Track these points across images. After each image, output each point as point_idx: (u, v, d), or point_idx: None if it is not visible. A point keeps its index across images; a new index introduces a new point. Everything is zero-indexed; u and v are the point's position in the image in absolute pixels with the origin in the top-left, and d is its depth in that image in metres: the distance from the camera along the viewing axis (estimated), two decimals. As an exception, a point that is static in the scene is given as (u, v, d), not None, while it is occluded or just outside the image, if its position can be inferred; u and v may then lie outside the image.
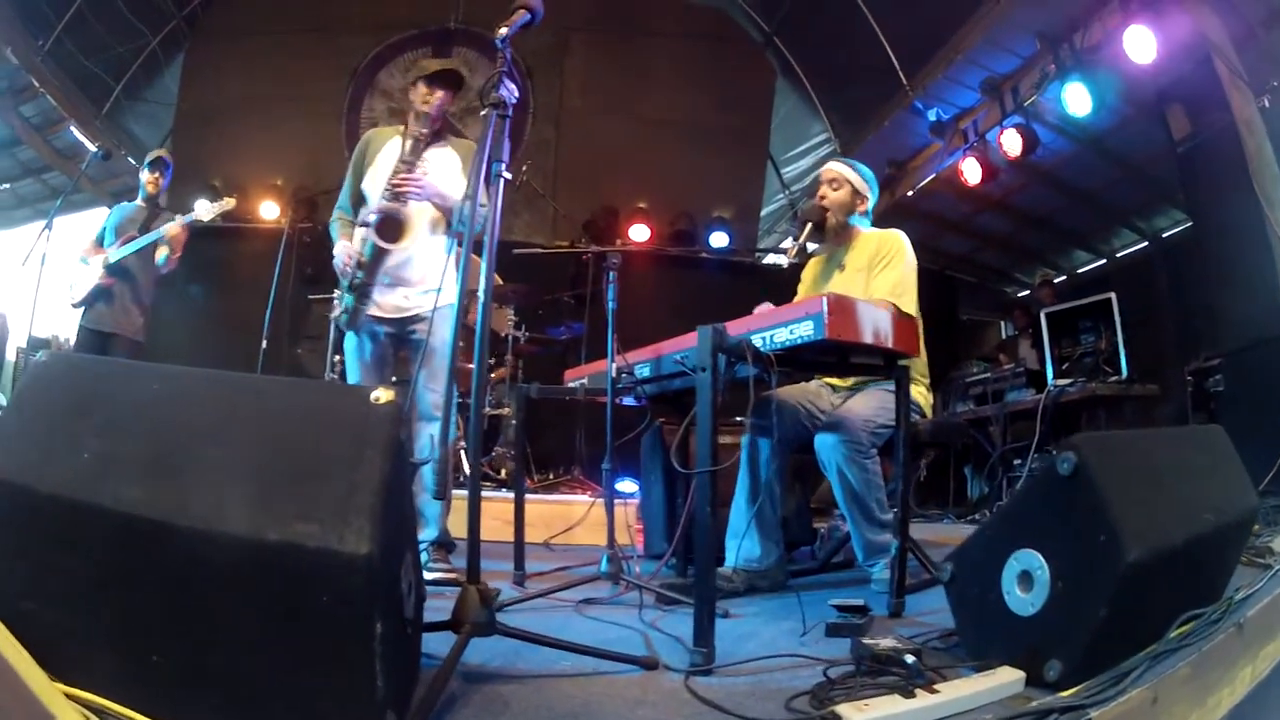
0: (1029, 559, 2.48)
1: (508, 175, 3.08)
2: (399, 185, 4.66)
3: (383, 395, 2.03)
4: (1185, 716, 2.27)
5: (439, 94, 4.81)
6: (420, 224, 4.73)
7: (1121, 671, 2.21)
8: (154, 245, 7.26)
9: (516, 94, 3.11)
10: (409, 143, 4.78)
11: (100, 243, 7.45)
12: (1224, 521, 2.81)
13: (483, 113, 3.11)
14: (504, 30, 3.12)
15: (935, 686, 2.23)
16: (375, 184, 4.84)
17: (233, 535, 1.82)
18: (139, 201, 7.64)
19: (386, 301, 4.79)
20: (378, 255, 4.72)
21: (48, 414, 2.04)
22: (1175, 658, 2.36)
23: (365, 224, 4.76)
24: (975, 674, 2.39)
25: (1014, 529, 2.63)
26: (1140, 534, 2.30)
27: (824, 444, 4.27)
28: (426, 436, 4.61)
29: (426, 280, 4.60)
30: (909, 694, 2.16)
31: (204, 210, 7.44)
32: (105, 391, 2.09)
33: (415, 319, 4.67)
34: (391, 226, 4.65)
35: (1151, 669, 2.26)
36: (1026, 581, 2.48)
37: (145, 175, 7.62)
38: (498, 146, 3.02)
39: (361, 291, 4.78)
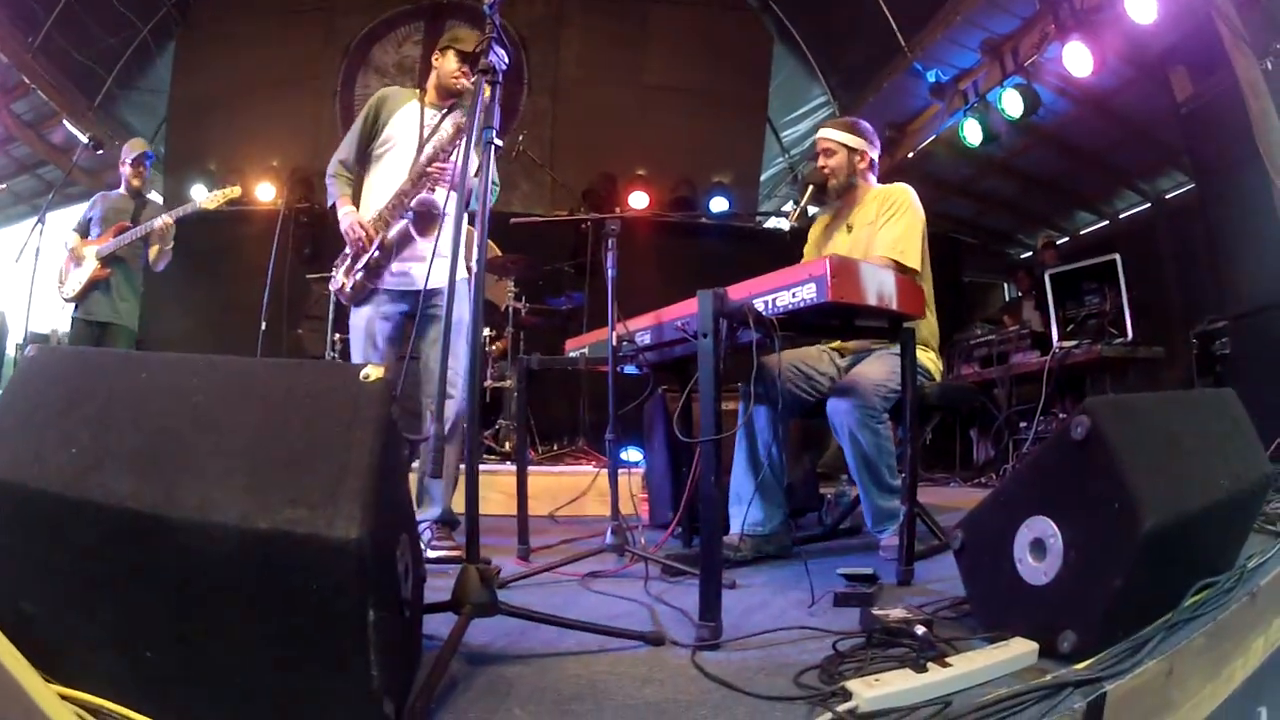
0: (1041, 526, 2.42)
1: (499, 142, 3.02)
2: (434, 174, 4.64)
3: (373, 373, 1.99)
4: (1200, 688, 2.23)
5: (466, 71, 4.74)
6: (444, 206, 4.67)
7: (1137, 643, 2.17)
8: (144, 237, 7.22)
9: (506, 60, 3.05)
10: (449, 131, 4.72)
11: (84, 233, 7.46)
12: (1239, 488, 2.76)
13: (471, 79, 3.06)
14: None
15: (947, 659, 2.18)
16: (391, 149, 4.85)
17: (223, 525, 1.78)
18: (123, 191, 7.63)
19: (405, 277, 4.75)
20: (403, 243, 4.70)
21: (38, 408, 2.02)
22: (1190, 628, 2.31)
23: (404, 215, 4.71)
24: (988, 646, 2.35)
25: (1025, 495, 2.57)
26: (1157, 502, 2.25)
27: (836, 409, 4.24)
28: (445, 417, 4.55)
29: (444, 253, 4.53)
30: (920, 668, 2.12)
31: (205, 198, 7.42)
32: (94, 383, 2.06)
33: (434, 293, 4.55)
34: (429, 220, 4.65)
35: (1166, 640, 2.21)
36: (1039, 550, 2.42)
37: (128, 170, 7.61)
38: (488, 113, 2.96)
39: (374, 270, 4.74)
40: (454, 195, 4.26)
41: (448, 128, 4.73)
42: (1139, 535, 2.18)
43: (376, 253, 4.71)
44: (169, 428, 1.95)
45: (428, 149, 4.73)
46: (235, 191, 7.62)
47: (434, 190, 4.68)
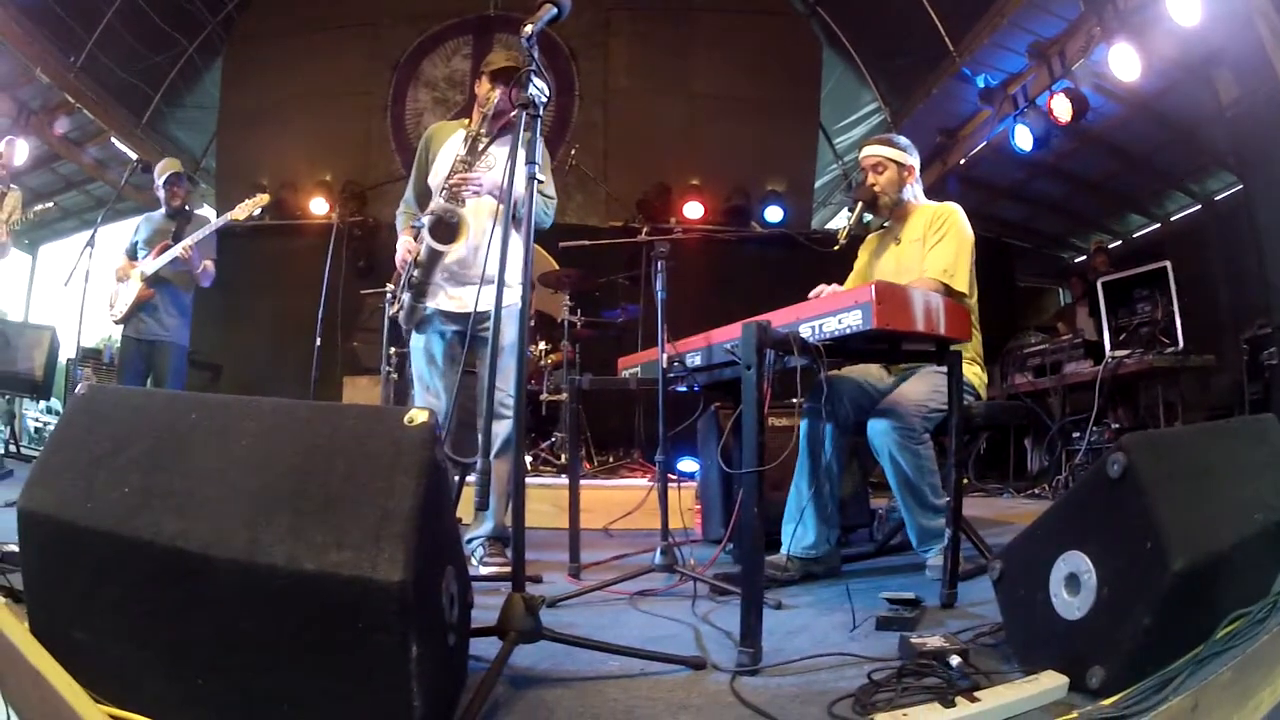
0: (1076, 561, 2.43)
1: (541, 178, 3.05)
2: (455, 185, 4.66)
3: (416, 416, 2.04)
4: (1226, 720, 2.23)
5: (499, 91, 4.73)
6: (481, 221, 4.69)
7: (1164, 679, 2.16)
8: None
9: (547, 93, 3.08)
10: (469, 142, 4.75)
11: (132, 256, 7.56)
12: (1275, 519, 2.73)
13: (512, 113, 3.09)
14: (529, 28, 3.07)
15: (976, 694, 2.21)
16: (440, 180, 4.86)
17: (271, 565, 1.87)
18: (164, 212, 7.69)
19: (453, 299, 4.81)
20: (433, 255, 4.73)
21: (89, 448, 2.11)
22: (1219, 661, 2.30)
23: (417, 225, 4.79)
24: (1019, 679, 2.37)
25: (1062, 530, 2.58)
26: (1187, 541, 2.25)
27: (876, 430, 4.23)
28: (496, 434, 4.61)
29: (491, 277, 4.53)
30: (949, 702, 2.15)
31: (234, 210, 7.49)
32: (144, 423, 2.15)
33: (483, 316, 4.49)
34: (444, 228, 4.66)
35: (1194, 674, 2.21)
36: (1073, 584, 2.43)
37: (162, 193, 7.66)
38: (530, 147, 2.99)
39: (418, 290, 4.82)
40: (497, 209, 4.31)
41: (466, 143, 4.78)
42: (1168, 575, 2.18)
43: (415, 271, 4.80)
44: (216, 470, 2.04)
45: (445, 168, 4.81)
46: (264, 199, 7.70)
47: (464, 203, 4.69)
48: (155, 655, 1.98)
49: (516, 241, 3.81)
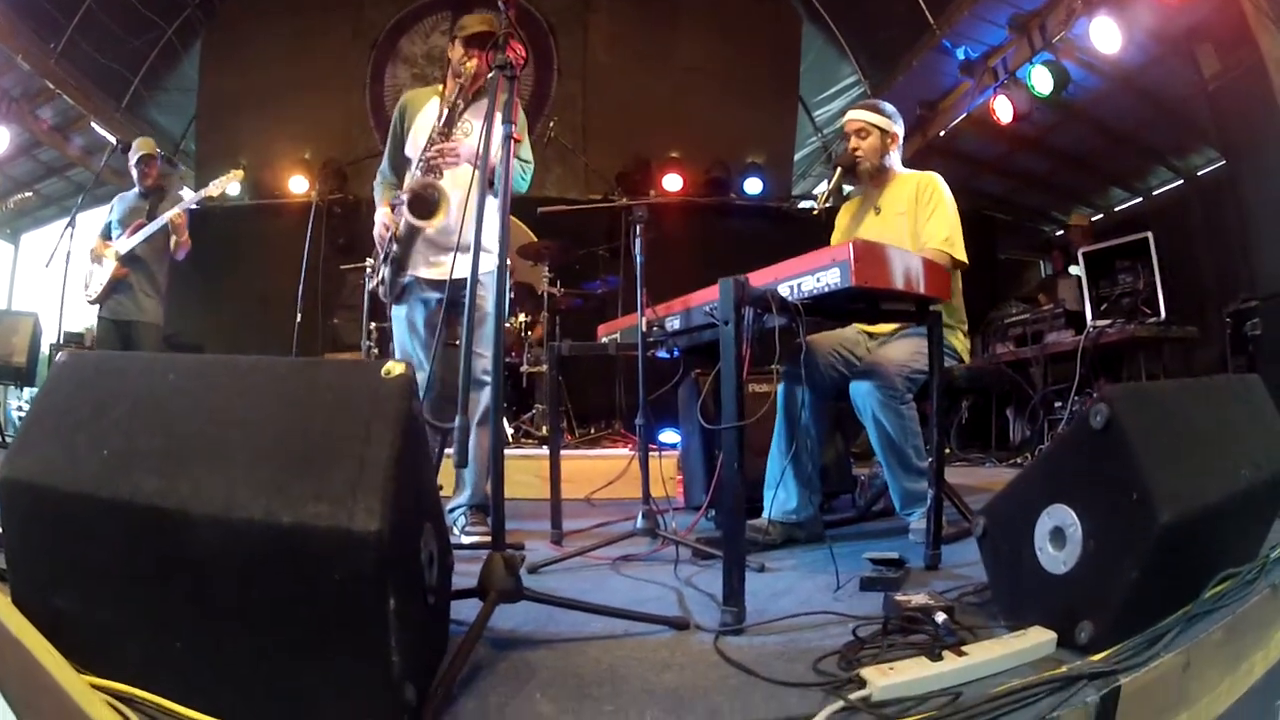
0: (1061, 515, 2.41)
1: (518, 137, 3.03)
2: (433, 158, 4.64)
3: (394, 369, 2.02)
4: (1217, 682, 2.21)
5: (475, 56, 4.68)
6: (459, 190, 4.56)
7: (1154, 635, 2.15)
8: (166, 233, 7.33)
9: (522, 54, 3.07)
10: (445, 112, 4.72)
11: (106, 236, 7.58)
12: (1261, 478, 2.72)
13: (489, 75, 3.08)
14: None
15: (963, 649, 2.19)
16: (417, 148, 4.84)
17: (248, 520, 1.84)
18: (137, 190, 7.73)
19: (433, 266, 4.77)
20: (412, 229, 4.70)
21: (69, 414, 2.09)
22: (1209, 620, 2.29)
23: (397, 202, 4.74)
24: (1006, 635, 2.37)
25: (1046, 483, 2.56)
26: (1173, 494, 2.23)
27: (859, 391, 4.26)
28: (478, 401, 4.55)
29: (472, 244, 4.48)
30: (936, 656, 2.13)
31: (208, 187, 7.51)
32: (123, 387, 2.13)
33: (464, 283, 4.54)
34: (423, 203, 4.61)
35: (1184, 632, 2.19)
36: (1059, 539, 2.42)
37: (135, 173, 7.70)
38: (507, 108, 2.97)
39: (398, 264, 4.79)
40: (475, 180, 4.28)
41: (443, 112, 4.75)
42: (1155, 528, 2.16)
43: (394, 246, 4.78)
44: (195, 428, 2.01)
45: (422, 137, 4.80)
46: (238, 175, 7.75)
47: (442, 175, 4.67)
48: (135, 619, 1.96)
49: (494, 206, 3.79)
